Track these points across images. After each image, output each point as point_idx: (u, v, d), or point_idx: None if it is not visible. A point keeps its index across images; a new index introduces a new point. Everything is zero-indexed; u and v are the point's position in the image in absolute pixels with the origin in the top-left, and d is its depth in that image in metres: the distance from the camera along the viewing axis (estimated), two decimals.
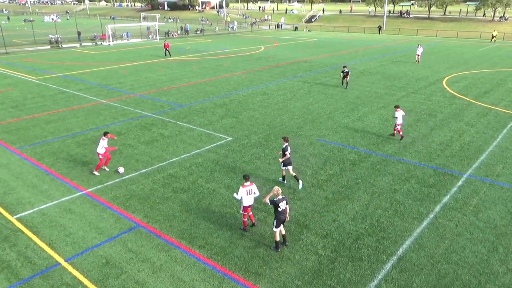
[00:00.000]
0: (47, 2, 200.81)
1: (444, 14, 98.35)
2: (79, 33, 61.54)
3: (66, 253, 10.84)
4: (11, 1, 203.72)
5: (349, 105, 25.26)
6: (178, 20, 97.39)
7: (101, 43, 59.86)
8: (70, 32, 71.26)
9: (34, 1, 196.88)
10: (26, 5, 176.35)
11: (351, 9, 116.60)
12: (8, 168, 16.17)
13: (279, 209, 10.52)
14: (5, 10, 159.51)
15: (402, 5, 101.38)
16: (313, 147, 18.19)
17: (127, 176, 15.31)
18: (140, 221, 12.35)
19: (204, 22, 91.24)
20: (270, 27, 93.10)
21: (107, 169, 15.81)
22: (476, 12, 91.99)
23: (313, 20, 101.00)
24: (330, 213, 12.77)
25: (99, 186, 14.54)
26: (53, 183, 14.85)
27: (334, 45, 58.12)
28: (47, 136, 19.88)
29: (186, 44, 59.53)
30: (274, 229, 10.68)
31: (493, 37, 63.06)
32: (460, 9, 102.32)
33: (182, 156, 17.21)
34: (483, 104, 25.27)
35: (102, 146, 15.19)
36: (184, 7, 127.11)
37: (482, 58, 45.37)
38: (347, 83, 29.83)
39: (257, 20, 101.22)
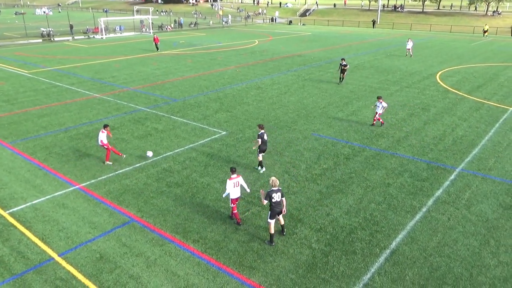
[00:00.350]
0: None
1: (438, 8, 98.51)
2: (71, 26, 60.90)
3: (60, 248, 10.80)
4: None
5: (343, 99, 25.30)
6: (171, 14, 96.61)
7: (94, 37, 59.29)
8: (62, 25, 70.46)
9: None
10: None
11: (345, 3, 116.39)
12: (0, 163, 16.03)
13: (273, 200, 10.58)
14: None
15: None
16: (307, 141, 18.22)
17: (120, 171, 15.25)
18: (134, 215, 12.32)
19: (196, 16, 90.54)
20: (264, 20, 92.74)
21: (109, 163, 15.87)
22: (469, 7, 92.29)
23: (307, 14, 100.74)
24: (324, 207, 12.83)
25: (93, 181, 14.47)
26: (45, 177, 14.76)
27: (328, 39, 58.06)
28: (39, 130, 19.71)
29: (179, 37, 59.15)
30: (269, 220, 10.75)
31: (485, 31, 63.34)
32: (452, 4, 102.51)
33: (176, 151, 17.16)
34: (476, 99, 25.43)
35: (101, 137, 15.29)
36: (178, 0, 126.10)
37: (475, 52, 45.58)
38: (342, 78, 29.25)
39: (251, 13, 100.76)
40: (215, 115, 21.91)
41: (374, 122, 20.23)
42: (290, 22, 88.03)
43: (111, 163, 15.87)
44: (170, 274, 9.83)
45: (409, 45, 41.54)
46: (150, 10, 72.19)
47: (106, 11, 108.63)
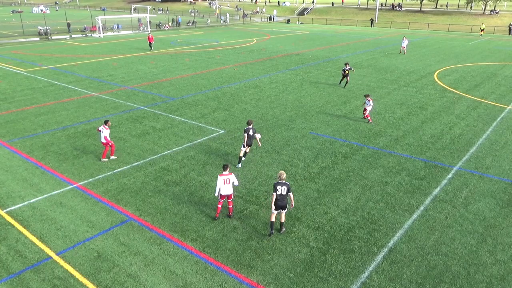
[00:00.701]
0: None
1: (436, 7, 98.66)
2: (68, 25, 60.69)
3: (57, 246, 10.78)
4: None
5: (341, 98, 25.31)
6: (167, 12, 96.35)
7: (91, 35, 59.12)
8: (60, 24, 70.24)
9: None
10: None
11: (342, 2, 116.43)
12: None
13: (278, 192, 10.78)
14: None
15: None
16: (305, 140, 18.23)
17: (118, 169, 15.22)
18: (132, 214, 12.31)
19: (193, 14, 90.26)
20: (262, 19, 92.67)
21: (114, 157, 16.02)
22: (467, 6, 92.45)
23: (305, 12, 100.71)
24: (322, 206, 12.84)
25: (90, 180, 14.45)
26: (43, 176, 14.72)
27: (326, 38, 58.06)
28: (37, 129, 19.66)
29: (177, 36, 59.04)
30: (272, 210, 11.02)
31: (481, 30, 63.49)
32: (447, 2, 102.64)
33: (174, 149, 17.14)
34: (473, 97, 25.49)
35: (105, 135, 15.45)
36: None
37: (473, 51, 45.67)
38: (346, 82, 27.82)
39: (249, 12, 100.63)
40: (213, 114, 21.89)
41: (368, 117, 20.72)
42: (288, 21, 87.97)
43: (107, 160, 15.88)
44: (168, 273, 9.83)
45: (404, 43, 42.52)
46: (148, 9, 72.04)
47: (103, 10, 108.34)
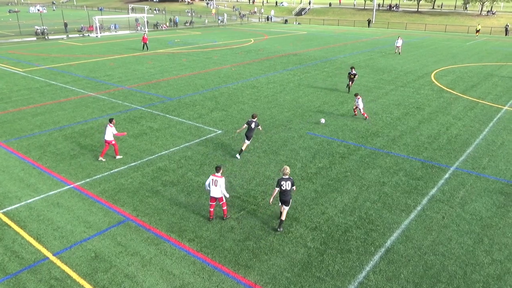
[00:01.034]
0: None
1: (433, 8, 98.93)
2: (65, 25, 60.52)
3: (54, 247, 10.75)
4: None
5: (338, 98, 25.35)
6: (164, 12, 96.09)
7: (89, 35, 58.98)
8: (57, 24, 70.03)
9: None
10: None
11: (340, 2, 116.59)
12: None
13: (282, 187, 11.00)
14: None
15: None
16: (302, 140, 18.24)
17: (116, 170, 15.19)
18: (129, 214, 12.28)
19: (190, 14, 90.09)
20: (260, 19, 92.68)
21: (119, 157, 16.08)
22: (464, 6, 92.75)
23: (303, 13, 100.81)
24: (319, 206, 12.86)
25: (88, 180, 14.41)
26: (40, 176, 14.68)
27: (323, 39, 58.14)
28: (33, 129, 19.59)
29: (175, 36, 58.98)
30: (280, 204, 11.37)
31: (477, 31, 63.69)
32: (442, 3, 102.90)
33: (171, 149, 17.12)
34: (470, 98, 25.58)
35: (111, 132, 15.42)
36: None
37: (469, 52, 45.83)
38: (350, 86, 26.88)
39: (247, 12, 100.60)
40: (210, 114, 21.88)
41: (364, 114, 21.07)
42: (286, 21, 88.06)
43: (104, 159, 15.85)
44: (165, 273, 9.82)
45: (399, 43, 42.84)
46: (145, 9, 71.95)
47: (101, 10, 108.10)
